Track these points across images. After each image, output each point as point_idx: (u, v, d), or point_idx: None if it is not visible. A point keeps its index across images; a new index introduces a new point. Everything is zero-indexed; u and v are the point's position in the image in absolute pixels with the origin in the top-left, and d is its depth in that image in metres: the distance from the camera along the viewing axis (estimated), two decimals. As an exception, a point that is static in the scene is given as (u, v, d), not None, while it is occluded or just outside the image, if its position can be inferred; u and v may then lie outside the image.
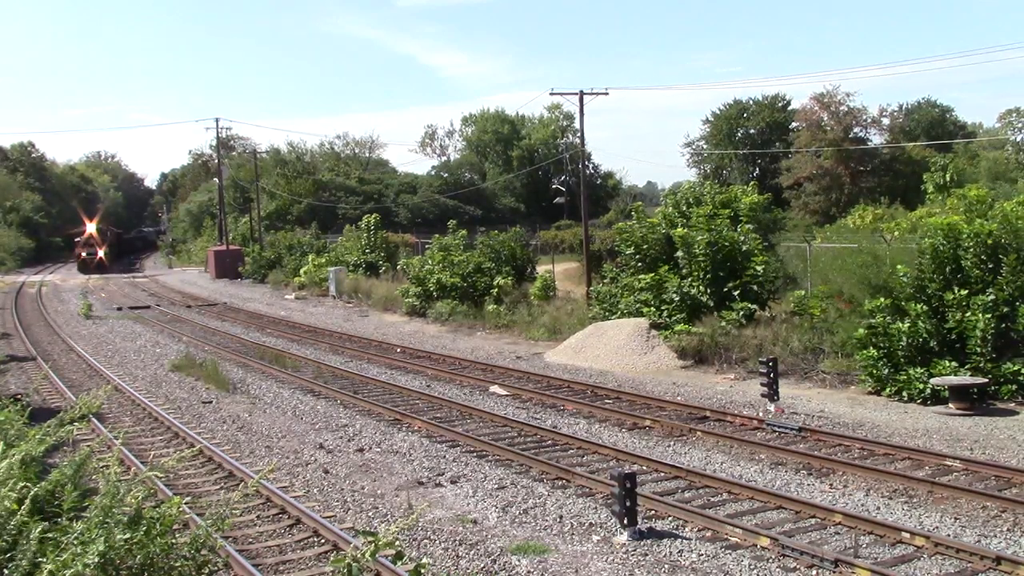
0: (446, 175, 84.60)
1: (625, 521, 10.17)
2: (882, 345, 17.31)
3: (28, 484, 6.05)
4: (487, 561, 9.60)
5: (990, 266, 17.29)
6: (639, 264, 25.19)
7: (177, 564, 5.60)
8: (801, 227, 42.98)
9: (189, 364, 22.95)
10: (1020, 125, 65.80)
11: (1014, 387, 16.29)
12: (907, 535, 9.78)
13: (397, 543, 4.96)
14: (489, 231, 39.17)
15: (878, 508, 10.99)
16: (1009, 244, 17.27)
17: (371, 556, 4.81)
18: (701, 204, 25.13)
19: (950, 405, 15.96)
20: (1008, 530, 10.10)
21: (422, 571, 4.94)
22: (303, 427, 16.38)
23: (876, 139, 67.88)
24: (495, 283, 31.81)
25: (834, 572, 8.97)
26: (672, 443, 14.49)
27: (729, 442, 14.29)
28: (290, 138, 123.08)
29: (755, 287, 22.67)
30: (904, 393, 16.90)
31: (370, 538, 4.85)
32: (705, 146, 78.97)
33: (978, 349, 16.53)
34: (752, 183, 34.42)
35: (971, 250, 17.41)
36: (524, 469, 13.11)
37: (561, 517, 11.01)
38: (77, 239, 71.62)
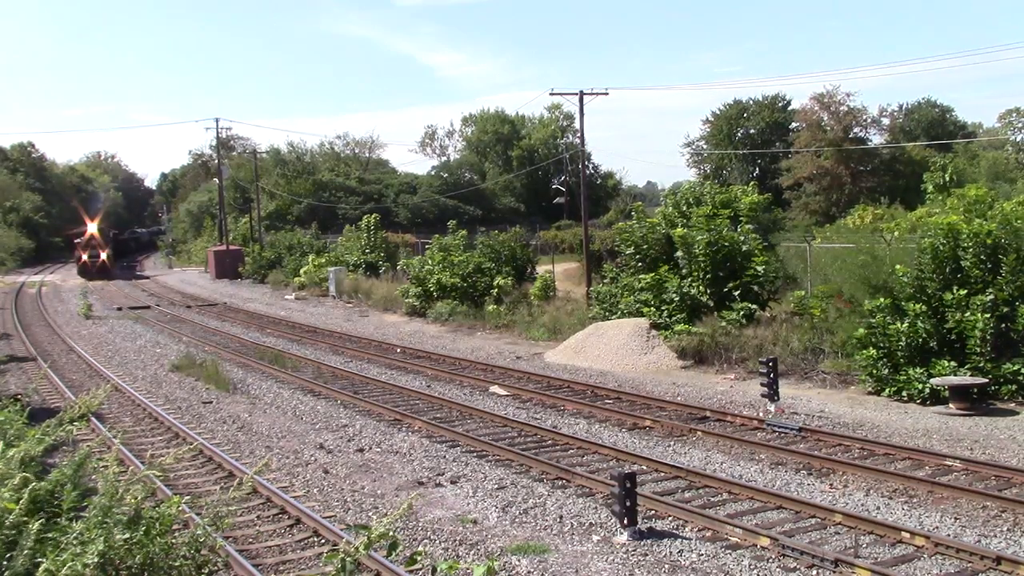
0: (446, 175, 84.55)
1: (625, 521, 10.17)
2: (882, 345, 17.31)
3: (29, 476, 6.01)
4: (487, 561, 9.59)
5: (990, 266, 17.29)
6: (639, 264, 25.19)
7: (177, 564, 5.59)
8: (801, 227, 43.00)
9: (189, 364, 22.95)
10: (1020, 125, 65.90)
11: (1014, 387, 16.29)
12: (907, 535, 9.78)
13: (391, 535, 4.92)
14: (489, 231, 39.22)
15: (878, 508, 10.99)
16: (1009, 244, 17.26)
17: (364, 549, 4.79)
18: (701, 204, 25.11)
19: (950, 405, 15.96)
20: (1008, 530, 10.10)
21: (418, 559, 4.92)
22: (303, 427, 16.38)
23: (876, 139, 68.09)
24: (495, 283, 31.80)
25: (834, 572, 8.97)
26: (672, 443, 14.49)
27: (729, 442, 14.28)
28: (290, 138, 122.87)
29: (755, 287, 22.66)
30: (904, 393, 16.90)
31: (363, 531, 4.83)
32: (705, 146, 79.00)
33: (978, 349, 16.53)
34: (752, 183, 34.40)
35: (971, 250, 17.41)
36: (524, 469, 13.11)
37: (561, 517, 11.00)
38: (77, 240, 69.81)
